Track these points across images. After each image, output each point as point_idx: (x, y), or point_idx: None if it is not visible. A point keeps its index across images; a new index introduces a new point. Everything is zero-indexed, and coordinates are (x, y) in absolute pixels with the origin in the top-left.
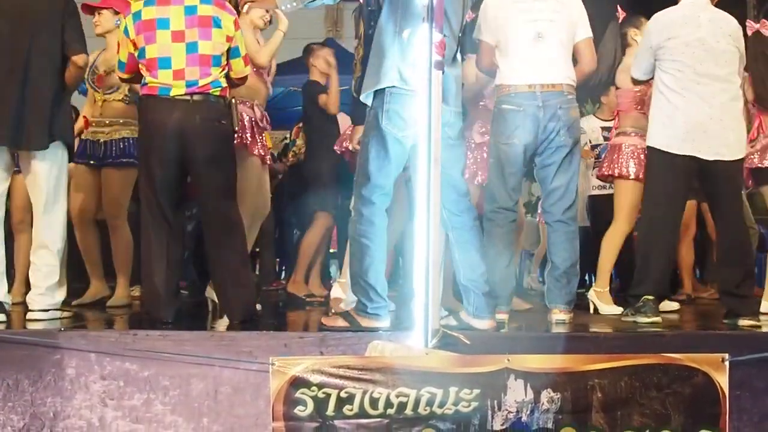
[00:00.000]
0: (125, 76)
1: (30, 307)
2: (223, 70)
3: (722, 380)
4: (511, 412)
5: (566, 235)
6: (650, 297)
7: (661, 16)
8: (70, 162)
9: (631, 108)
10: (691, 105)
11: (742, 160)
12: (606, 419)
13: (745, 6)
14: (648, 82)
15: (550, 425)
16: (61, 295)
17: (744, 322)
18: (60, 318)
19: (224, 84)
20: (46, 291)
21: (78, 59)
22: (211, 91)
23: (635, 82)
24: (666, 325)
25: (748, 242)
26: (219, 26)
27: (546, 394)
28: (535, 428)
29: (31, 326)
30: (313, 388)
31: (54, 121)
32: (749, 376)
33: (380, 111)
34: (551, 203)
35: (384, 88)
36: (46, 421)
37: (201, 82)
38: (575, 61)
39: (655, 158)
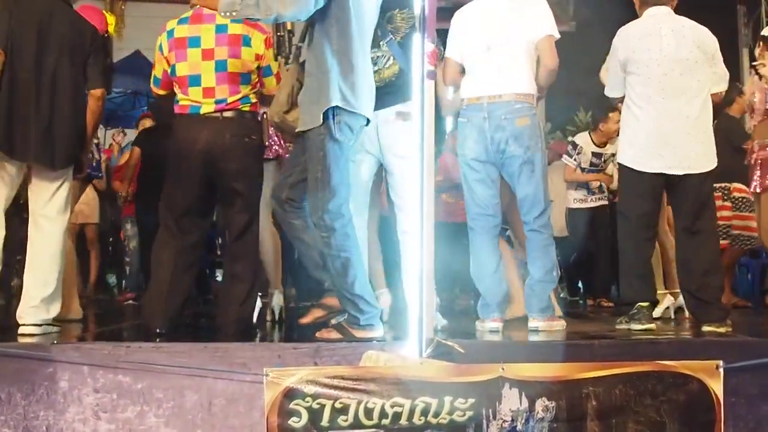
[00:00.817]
0: (161, 92)
1: (22, 321)
2: (254, 88)
3: (717, 387)
4: (506, 421)
5: (539, 243)
6: (644, 304)
7: (624, 31)
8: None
9: None
10: (656, 120)
11: (711, 171)
12: (601, 427)
13: (735, 15)
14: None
15: None
16: (55, 310)
17: (706, 329)
18: (52, 333)
19: (254, 100)
20: (40, 304)
21: (95, 92)
22: (240, 107)
23: (611, 100)
24: (660, 333)
25: (717, 256)
26: (248, 45)
27: (541, 403)
28: None
29: (22, 340)
30: (308, 399)
31: (76, 142)
32: (744, 383)
33: (332, 124)
34: (524, 213)
35: (330, 107)
36: None
37: (230, 99)
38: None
39: (624, 175)
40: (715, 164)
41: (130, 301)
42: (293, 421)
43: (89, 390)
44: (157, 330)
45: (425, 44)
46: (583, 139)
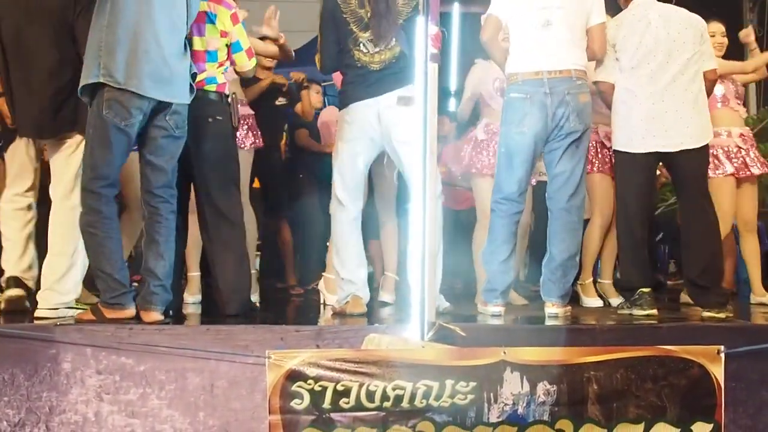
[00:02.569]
0: None
1: (38, 306)
2: (221, 65)
3: (718, 372)
4: (508, 405)
5: (566, 225)
6: (646, 289)
7: (615, 19)
8: None
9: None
10: (647, 102)
11: (706, 146)
12: (602, 411)
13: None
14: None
15: (546, 417)
16: (68, 292)
17: (706, 314)
18: (67, 317)
19: (221, 80)
20: (51, 288)
21: None
22: (205, 86)
23: (602, 84)
24: (661, 318)
25: (713, 231)
26: (212, 22)
27: (542, 387)
28: (531, 420)
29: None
30: (310, 381)
31: (77, 110)
32: (744, 368)
33: (100, 101)
34: (555, 189)
35: (95, 83)
36: (41, 416)
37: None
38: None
39: (619, 159)
40: (710, 139)
41: (135, 284)
42: (295, 403)
43: (92, 371)
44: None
45: (429, 27)
46: None
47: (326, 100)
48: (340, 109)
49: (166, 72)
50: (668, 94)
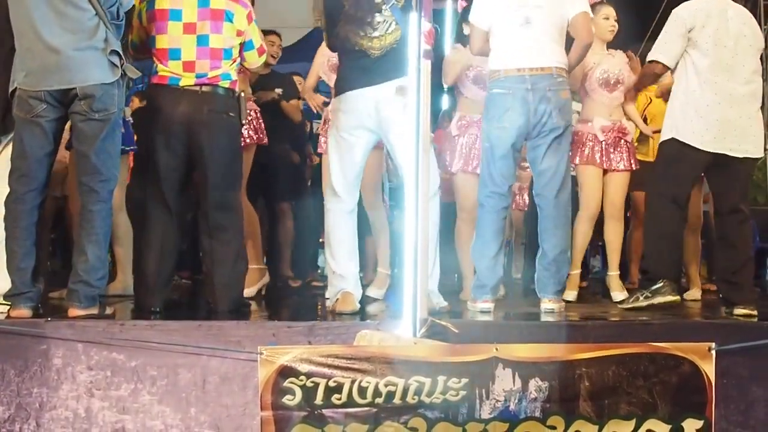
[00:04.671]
0: (137, 56)
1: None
2: (234, 62)
3: (708, 369)
4: (499, 401)
5: (555, 220)
6: (669, 279)
7: (691, 4)
8: None
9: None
10: (718, 100)
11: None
12: (593, 408)
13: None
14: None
15: (537, 414)
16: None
17: (739, 311)
18: None
19: (234, 77)
20: None
21: None
22: (220, 83)
23: (663, 68)
24: (653, 315)
25: (749, 232)
26: (230, 20)
27: (534, 383)
28: (523, 417)
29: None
30: (302, 377)
31: None
32: (735, 365)
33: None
34: (542, 185)
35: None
36: (31, 412)
37: (210, 74)
38: (572, 38)
39: (673, 150)
40: (763, 152)
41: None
42: (287, 399)
43: (83, 367)
44: (152, 306)
45: (422, 23)
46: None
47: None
48: (334, 96)
49: (53, 60)
50: (744, 99)
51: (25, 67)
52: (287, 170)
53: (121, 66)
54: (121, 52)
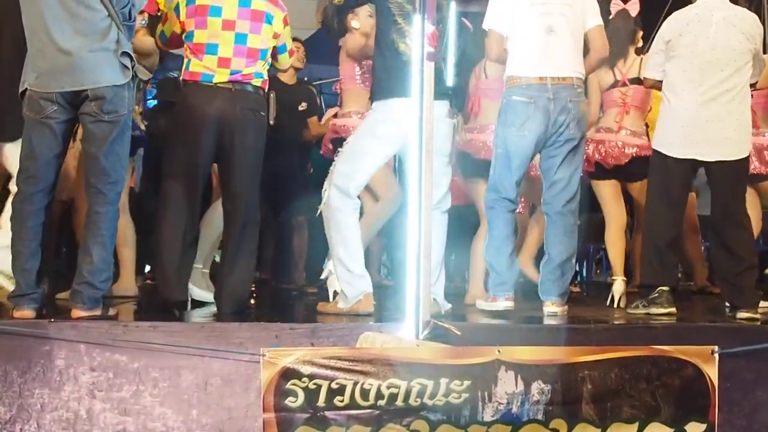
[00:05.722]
0: (164, 48)
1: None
2: (266, 62)
3: (712, 372)
4: (502, 404)
5: (564, 228)
6: (665, 288)
7: (675, 14)
8: None
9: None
10: (694, 107)
11: (746, 158)
12: (596, 411)
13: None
14: None
15: (540, 416)
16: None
17: (742, 315)
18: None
19: (265, 76)
20: None
21: None
22: (252, 81)
23: (646, 80)
24: (656, 318)
25: (751, 236)
26: (270, 23)
27: (536, 386)
28: (526, 419)
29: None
30: (304, 379)
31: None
32: (739, 368)
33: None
34: (553, 195)
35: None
36: (33, 413)
37: (245, 72)
38: (587, 49)
39: (656, 160)
40: (749, 152)
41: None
42: (289, 401)
43: (85, 368)
44: (180, 299)
45: (425, 26)
46: None
47: (323, 100)
48: (372, 100)
49: (64, 61)
50: (716, 103)
51: (37, 68)
52: (303, 183)
53: (132, 68)
54: (132, 54)
